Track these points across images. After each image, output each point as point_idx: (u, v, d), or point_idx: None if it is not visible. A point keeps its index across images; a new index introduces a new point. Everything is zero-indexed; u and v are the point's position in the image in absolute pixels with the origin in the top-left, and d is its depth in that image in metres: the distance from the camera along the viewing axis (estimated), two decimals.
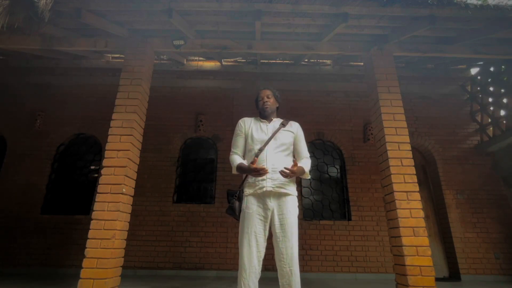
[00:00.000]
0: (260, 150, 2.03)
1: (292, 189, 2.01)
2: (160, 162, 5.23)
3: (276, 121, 2.23)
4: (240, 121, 2.25)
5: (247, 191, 2.02)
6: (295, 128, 2.21)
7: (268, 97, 2.24)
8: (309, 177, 2.18)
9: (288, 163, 2.04)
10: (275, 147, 2.06)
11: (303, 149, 2.19)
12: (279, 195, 1.97)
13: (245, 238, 1.91)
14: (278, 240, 1.91)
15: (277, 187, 1.95)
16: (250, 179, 2.02)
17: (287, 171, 1.88)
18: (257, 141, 2.09)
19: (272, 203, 1.95)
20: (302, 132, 2.23)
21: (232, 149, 2.20)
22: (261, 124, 2.20)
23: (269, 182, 1.94)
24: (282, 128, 2.14)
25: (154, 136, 5.26)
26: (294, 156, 2.18)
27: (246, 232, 1.92)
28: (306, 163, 2.13)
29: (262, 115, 2.24)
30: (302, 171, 2.05)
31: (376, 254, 4.77)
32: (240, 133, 2.20)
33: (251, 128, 2.17)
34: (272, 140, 2.08)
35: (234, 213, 2.01)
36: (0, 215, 4.87)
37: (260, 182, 1.96)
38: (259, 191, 1.96)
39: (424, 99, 5.66)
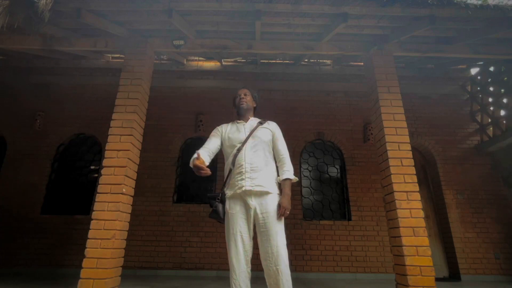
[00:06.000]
0: (238, 150, 2.02)
1: (272, 188, 1.97)
2: (160, 162, 5.23)
3: (253, 120, 2.22)
4: (218, 126, 2.26)
5: (228, 192, 2.01)
6: (272, 126, 2.20)
7: (245, 95, 2.26)
8: (297, 179, 2.10)
9: (268, 162, 2.03)
10: (253, 145, 2.03)
11: (281, 148, 2.12)
12: (260, 194, 1.93)
13: (231, 239, 1.91)
14: (262, 239, 1.88)
15: (257, 185, 1.92)
16: (231, 179, 2.01)
17: (279, 214, 1.89)
18: (234, 142, 2.07)
19: (253, 202, 1.92)
20: (280, 130, 2.20)
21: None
22: (238, 125, 2.20)
23: (248, 182, 1.92)
24: (260, 126, 2.13)
25: (154, 136, 5.26)
26: (274, 158, 2.13)
27: (231, 233, 1.92)
28: (287, 169, 2.04)
29: (238, 113, 2.24)
30: (289, 184, 2.00)
31: (376, 254, 4.77)
32: (215, 134, 2.20)
33: (227, 131, 2.17)
34: (250, 138, 2.06)
35: (219, 216, 2.00)
36: (0, 215, 4.86)
37: (239, 182, 1.94)
38: (238, 191, 1.94)
39: (424, 99, 5.66)
